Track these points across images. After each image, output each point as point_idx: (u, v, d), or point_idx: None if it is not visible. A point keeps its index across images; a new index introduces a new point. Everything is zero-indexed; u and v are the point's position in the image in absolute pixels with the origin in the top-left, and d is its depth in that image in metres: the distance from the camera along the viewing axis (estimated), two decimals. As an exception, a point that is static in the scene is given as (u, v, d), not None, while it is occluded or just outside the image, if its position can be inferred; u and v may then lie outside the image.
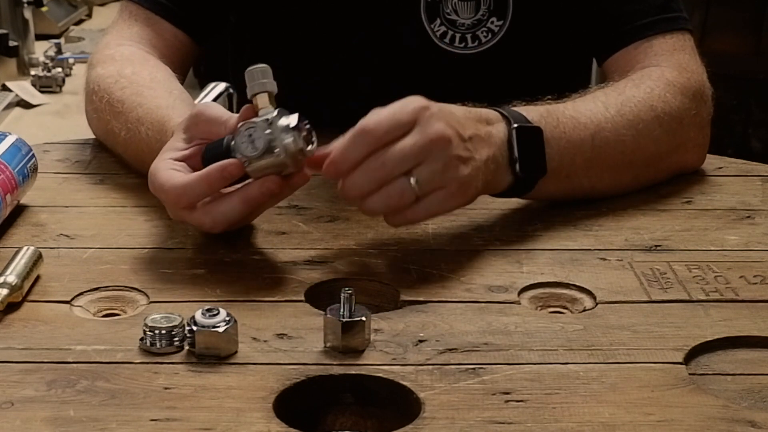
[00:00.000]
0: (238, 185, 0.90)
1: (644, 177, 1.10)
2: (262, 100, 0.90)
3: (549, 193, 1.03)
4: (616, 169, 1.07)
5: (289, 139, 0.87)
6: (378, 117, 0.88)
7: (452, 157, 0.89)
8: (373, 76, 1.25)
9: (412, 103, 0.90)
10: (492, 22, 1.22)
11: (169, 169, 0.91)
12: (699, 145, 1.16)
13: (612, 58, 1.20)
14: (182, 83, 1.29)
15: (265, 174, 0.88)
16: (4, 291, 0.82)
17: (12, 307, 0.83)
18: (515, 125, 0.97)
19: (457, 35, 1.22)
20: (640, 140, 1.07)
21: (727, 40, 2.62)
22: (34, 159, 1.03)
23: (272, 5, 1.27)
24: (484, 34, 1.22)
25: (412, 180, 0.88)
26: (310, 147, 0.89)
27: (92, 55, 1.21)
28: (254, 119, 0.89)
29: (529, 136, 0.98)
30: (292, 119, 0.88)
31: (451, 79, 1.24)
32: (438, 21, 1.21)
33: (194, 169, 0.91)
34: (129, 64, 1.15)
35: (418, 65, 1.23)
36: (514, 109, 1.00)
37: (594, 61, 1.38)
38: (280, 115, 0.88)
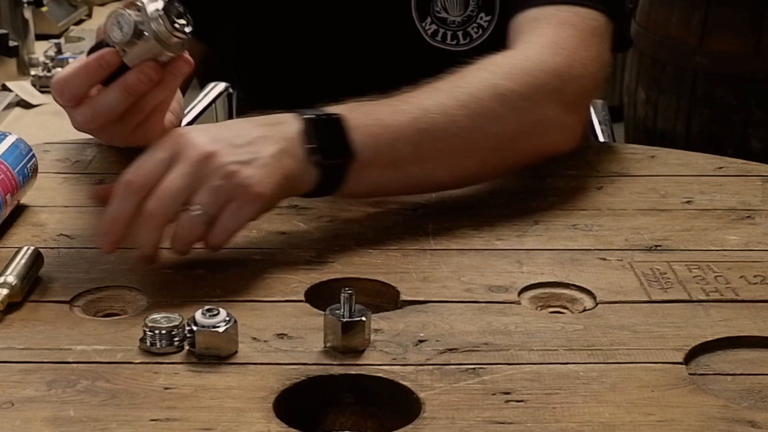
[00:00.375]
0: None
1: (495, 161, 1.04)
2: None
3: (378, 185, 0.98)
4: (455, 154, 1.00)
5: (156, 22, 0.86)
6: (136, 164, 0.86)
7: (227, 166, 0.85)
8: (367, 76, 1.25)
9: (167, 138, 0.87)
10: (481, 18, 1.21)
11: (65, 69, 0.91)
12: (563, 125, 1.07)
13: (509, 25, 1.15)
14: (190, 80, 1.29)
15: (140, 61, 0.88)
16: (4, 291, 0.82)
17: (12, 307, 0.83)
18: (308, 116, 0.92)
19: (449, 33, 1.22)
20: (478, 120, 1.00)
21: (727, 40, 2.62)
22: (34, 159, 1.03)
23: (268, 6, 1.27)
24: (475, 30, 1.22)
25: (194, 209, 0.84)
26: (185, 29, 0.87)
27: None
28: (121, 8, 0.88)
29: (325, 125, 0.93)
30: (160, 2, 0.87)
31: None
32: (429, 19, 1.21)
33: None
34: None
35: (412, 65, 1.23)
36: (323, 107, 0.96)
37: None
38: (151, 1, 0.87)
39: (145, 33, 0.86)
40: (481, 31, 1.22)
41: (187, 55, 0.89)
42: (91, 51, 0.90)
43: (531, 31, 1.10)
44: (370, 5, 1.23)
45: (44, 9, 5.23)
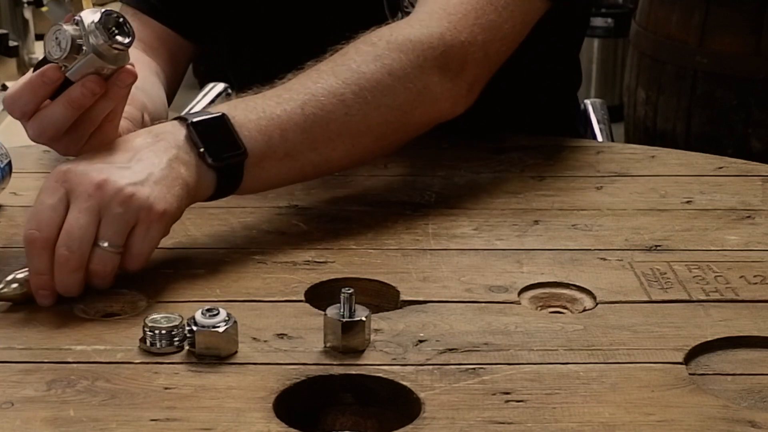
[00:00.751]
0: None
1: (389, 135, 1.03)
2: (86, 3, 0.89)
3: (278, 177, 0.97)
4: (348, 134, 0.99)
5: (93, 36, 0.85)
6: (31, 217, 0.84)
7: (122, 191, 0.83)
8: None
9: (50, 178, 0.85)
10: None
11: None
12: (448, 91, 1.04)
13: None
14: (179, 80, 1.29)
15: (83, 76, 0.87)
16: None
17: (12, 307, 0.83)
18: (190, 121, 0.91)
19: None
20: (366, 95, 0.99)
21: (727, 40, 2.62)
22: (9, 159, 1.05)
23: (247, 8, 1.27)
24: None
25: (103, 244, 0.83)
26: (125, 40, 0.86)
27: None
28: (60, 23, 0.87)
29: (210, 126, 0.91)
30: (97, 15, 0.86)
31: None
32: (399, 15, 1.21)
33: None
34: None
35: None
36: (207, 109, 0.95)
37: (580, 48, 1.37)
38: (89, 15, 0.86)
39: (84, 48, 0.85)
40: None
41: (130, 66, 0.88)
42: (37, 66, 0.90)
43: (425, 1, 1.08)
44: (343, 2, 1.23)
45: (44, 9, 5.23)
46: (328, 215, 1.02)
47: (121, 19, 0.86)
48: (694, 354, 0.79)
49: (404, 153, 1.11)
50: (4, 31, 4.32)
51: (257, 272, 0.90)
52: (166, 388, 0.72)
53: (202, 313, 0.77)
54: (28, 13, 4.89)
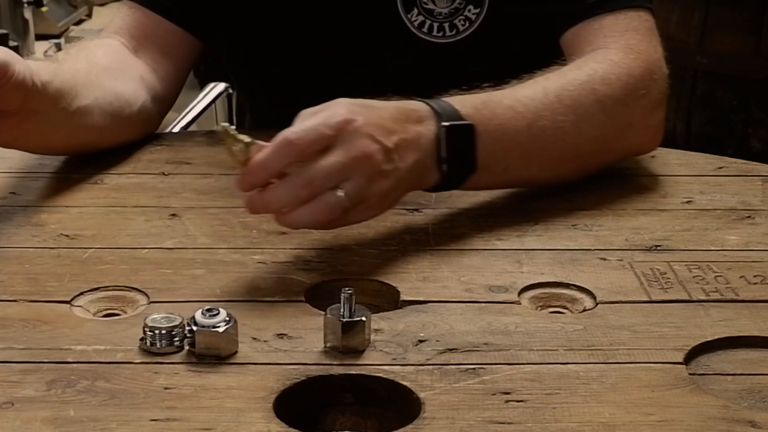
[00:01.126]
0: None
1: (591, 164, 1.09)
2: None
3: (484, 185, 1.02)
4: (558, 158, 1.05)
5: None
6: (301, 129, 0.87)
7: (375, 173, 0.89)
8: (352, 68, 1.25)
9: (336, 114, 0.88)
10: (469, 11, 1.21)
11: None
12: (649, 127, 1.13)
13: (565, 37, 1.18)
14: (184, 77, 1.29)
15: None
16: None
17: (12, 307, 0.83)
18: (445, 124, 0.95)
19: (435, 24, 1.22)
20: (581, 125, 1.05)
21: (727, 40, 2.62)
22: None
23: (256, 2, 1.27)
24: (462, 22, 1.22)
25: (340, 193, 0.87)
26: None
27: None
28: None
29: (459, 135, 0.96)
30: None
31: (430, 69, 1.23)
32: (415, 11, 1.21)
33: None
34: (83, 48, 1.18)
35: (397, 56, 1.23)
36: (449, 101, 0.98)
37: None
38: None
39: None
40: (468, 24, 1.22)
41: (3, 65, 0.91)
42: None
43: (601, 39, 1.14)
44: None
45: (44, 9, 5.23)
46: (328, 215, 1.02)
47: None
48: (694, 354, 0.79)
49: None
50: (4, 31, 4.33)
51: (257, 272, 0.90)
52: (166, 388, 0.72)
53: (202, 313, 0.77)
54: (28, 13, 4.90)
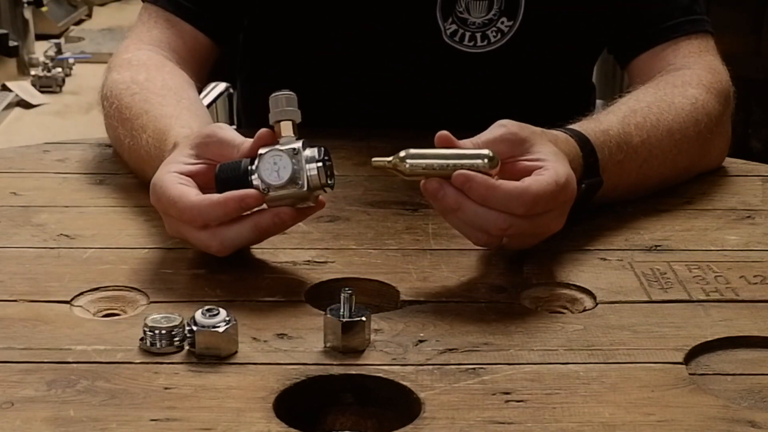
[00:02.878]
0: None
1: (672, 182, 1.12)
2: (286, 129, 0.88)
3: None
4: (651, 188, 1.08)
5: (314, 172, 0.86)
6: (548, 193, 0.86)
7: (541, 235, 0.90)
8: (383, 72, 1.25)
9: (568, 190, 0.89)
10: (502, 22, 1.22)
11: (178, 183, 0.89)
12: (722, 149, 1.18)
13: (638, 60, 1.22)
14: (202, 86, 1.28)
15: (280, 204, 0.87)
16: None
17: (12, 307, 0.83)
18: (584, 184, 0.97)
19: (467, 34, 1.22)
20: (679, 158, 1.09)
21: (727, 40, 2.60)
22: None
23: (288, 2, 1.27)
24: (494, 33, 1.22)
25: (505, 240, 0.89)
26: (330, 182, 0.87)
27: (111, 59, 1.19)
28: (279, 147, 0.87)
29: (591, 191, 0.99)
30: (317, 152, 0.87)
31: (456, 76, 1.24)
32: (450, 19, 1.22)
33: (200, 187, 0.89)
34: (144, 69, 1.14)
35: (424, 61, 1.23)
36: (590, 134, 0.99)
37: (595, 60, 1.39)
38: (304, 147, 0.87)
39: (300, 181, 0.86)
40: (500, 35, 1.22)
41: (323, 199, 0.90)
42: (220, 171, 0.88)
43: (681, 59, 1.19)
44: (394, 2, 1.23)
45: (44, 9, 5.24)
46: (328, 215, 1.02)
47: (330, 162, 0.88)
48: (694, 354, 0.79)
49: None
50: (4, 31, 4.33)
51: (257, 272, 0.90)
52: (166, 388, 0.72)
53: (202, 313, 0.77)
54: (28, 13, 4.90)
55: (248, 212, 0.88)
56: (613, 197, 1.04)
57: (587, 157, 0.98)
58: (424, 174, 0.87)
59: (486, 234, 0.88)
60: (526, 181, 0.86)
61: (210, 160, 0.91)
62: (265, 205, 0.88)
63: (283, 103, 0.88)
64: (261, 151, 0.87)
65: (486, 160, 0.86)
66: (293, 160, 0.86)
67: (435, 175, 0.86)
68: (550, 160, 0.89)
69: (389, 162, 0.87)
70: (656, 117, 1.08)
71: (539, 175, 0.87)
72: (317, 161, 0.86)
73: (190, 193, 0.88)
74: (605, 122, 1.04)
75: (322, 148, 0.87)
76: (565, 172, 0.89)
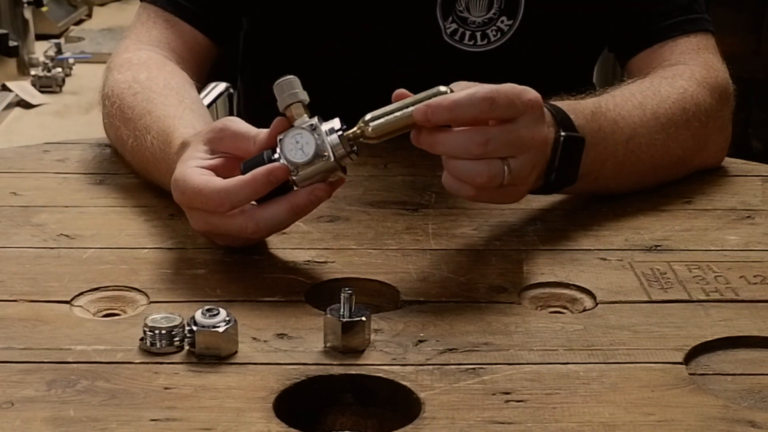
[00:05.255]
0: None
1: (667, 178, 1.11)
2: (297, 110, 0.88)
3: (572, 191, 1.04)
4: (643, 172, 1.08)
5: (336, 141, 0.87)
6: (505, 93, 0.86)
7: (538, 161, 0.91)
8: (383, 72, 1.25)
9: (529, 92, 0.88)
10: (502, 21, 1.22)
11: (201, 174, 0.88)
12: (720, 145, 1.17)
13: (636, 58, 1.22)
14: (202, 86, 1.28)
15: (310, 182, 0.87)
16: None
17: (12, 307, 0.83)
18: (563, 134, 0.96)
19: (467, 33, 1.22)
20: (670, 143, 1.09)
21: (727, 40, 2.60)
22: None
23: (288, 1, 1.27)
24: (494, 32, 1.22)
25: (506, 168, 0.87)
26: (355, 148, 0.88)
27: (110, 59, 1.19)
28: (297, 127, 0.88)
29: (572, 146, 0.97)
30: (335, 123, 0.88)
31: (458, 76, 1.24)
32: (450, 18, 1.22)
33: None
34: (145, 69, 1.14)
35: (423, 59, 1.23)
36: (561, 106, 0.99)
37: (595, 60, 1.39)
38: (320, 122, 0.88)
39: (325, 153, 0.86)
40: (499, 35, 1.22)
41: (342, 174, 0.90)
42: (245, 167, 0.88)
43: (678, 55, 1.19)
44: (397, 1, 1.23)
45: (44, 9, 5.24)
46: (328, 215, 1.02)
47: (348, 129, 0.88)
48: (694, 354, 0.79)
49: (404, 153, 1.11)
50: (4, 31, 4.33)
51: (257, 272, 0.90)
52: (166, 388, 0.72)
53: (202, 313, 0.77)
54: (28, 13, 4.90)
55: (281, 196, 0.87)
56: (609, 178, 1.04)
57: (557, 113, 0.96)
58: (391, 129, 0.87)
59: (480, 174, 0.87)
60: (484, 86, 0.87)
61: (226, 153, 0.91)
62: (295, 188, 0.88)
63: (289, 87, 0.89)
64: (279, 137, 0.88)
65: (443, 89, 0.87)
66: (315, 135, 0.87)
67: (401, 125, 0.87)
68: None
69: (354, 133, 0.88)
70: (639, 101, 1.08)
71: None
72: (337, 131, 0.87)
73: (213, 179, 0.88)
74: (576, 100, 1.04)
75: (338, 120, 0.88)
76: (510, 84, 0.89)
